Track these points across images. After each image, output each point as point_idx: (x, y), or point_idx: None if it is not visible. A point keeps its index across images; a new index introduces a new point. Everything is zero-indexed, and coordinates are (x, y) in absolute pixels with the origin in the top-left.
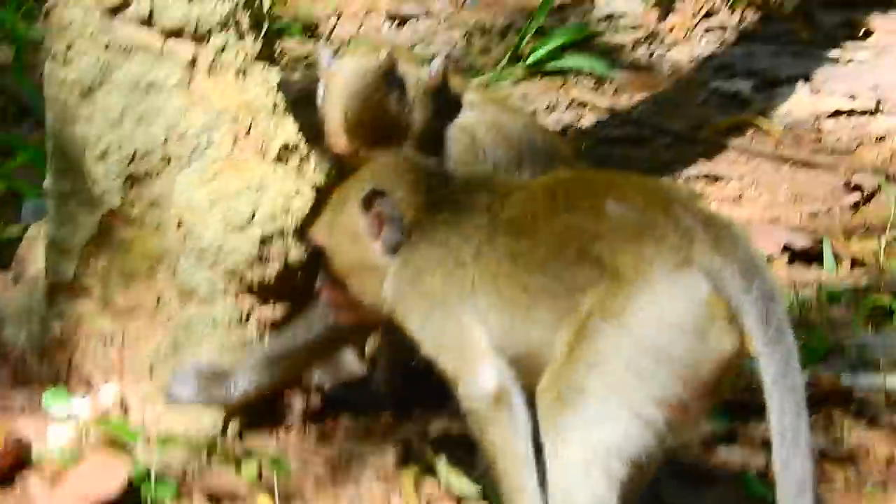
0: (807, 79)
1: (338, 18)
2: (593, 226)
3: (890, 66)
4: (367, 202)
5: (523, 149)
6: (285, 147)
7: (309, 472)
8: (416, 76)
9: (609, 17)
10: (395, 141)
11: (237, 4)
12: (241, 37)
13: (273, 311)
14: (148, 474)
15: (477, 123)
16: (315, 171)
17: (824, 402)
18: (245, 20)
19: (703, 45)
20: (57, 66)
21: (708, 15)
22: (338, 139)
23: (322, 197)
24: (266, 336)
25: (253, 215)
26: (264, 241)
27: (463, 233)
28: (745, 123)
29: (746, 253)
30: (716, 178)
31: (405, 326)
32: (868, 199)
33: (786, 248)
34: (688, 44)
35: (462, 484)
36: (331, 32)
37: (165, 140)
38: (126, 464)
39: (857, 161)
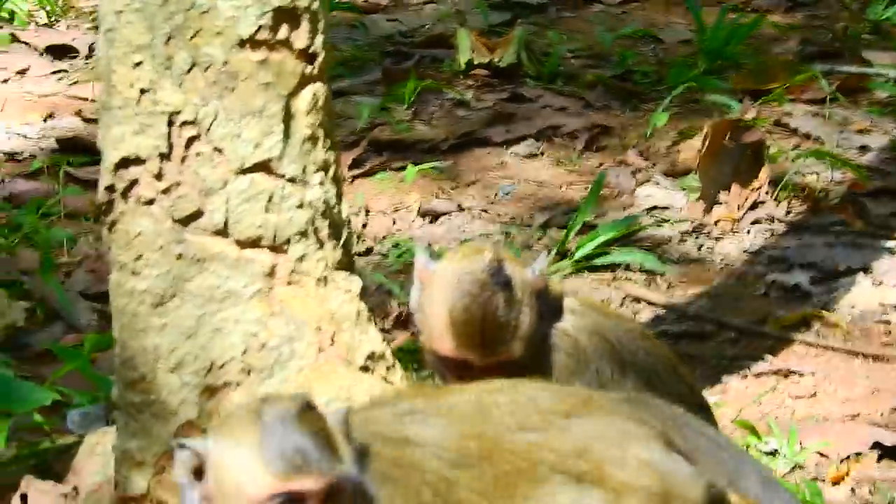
0: (867, 270)
1: (367, 214)
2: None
3: None
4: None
5: (626, 356)
6: (371, 356)
7: None
8: (521, 277)
9: (652, 210)
10: (503, 344)
11: (315, 212)
12: (320, 245)
13: None
14: None
15: (579, 329)
16: (401, 379)
17: None
18: (324, 228)
19: (753, 238)
20: (124, 276)
21: (754, 206)
22: (443, 343)
23: None
24: None
25: None
26: None
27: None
28: (810, 317)
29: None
30: (787, 374)
31: None
32: None
33: (875, 446)
34: (736, 236)
35: None
36: (363, 228)
37: (245, 350)
38: None
39: None
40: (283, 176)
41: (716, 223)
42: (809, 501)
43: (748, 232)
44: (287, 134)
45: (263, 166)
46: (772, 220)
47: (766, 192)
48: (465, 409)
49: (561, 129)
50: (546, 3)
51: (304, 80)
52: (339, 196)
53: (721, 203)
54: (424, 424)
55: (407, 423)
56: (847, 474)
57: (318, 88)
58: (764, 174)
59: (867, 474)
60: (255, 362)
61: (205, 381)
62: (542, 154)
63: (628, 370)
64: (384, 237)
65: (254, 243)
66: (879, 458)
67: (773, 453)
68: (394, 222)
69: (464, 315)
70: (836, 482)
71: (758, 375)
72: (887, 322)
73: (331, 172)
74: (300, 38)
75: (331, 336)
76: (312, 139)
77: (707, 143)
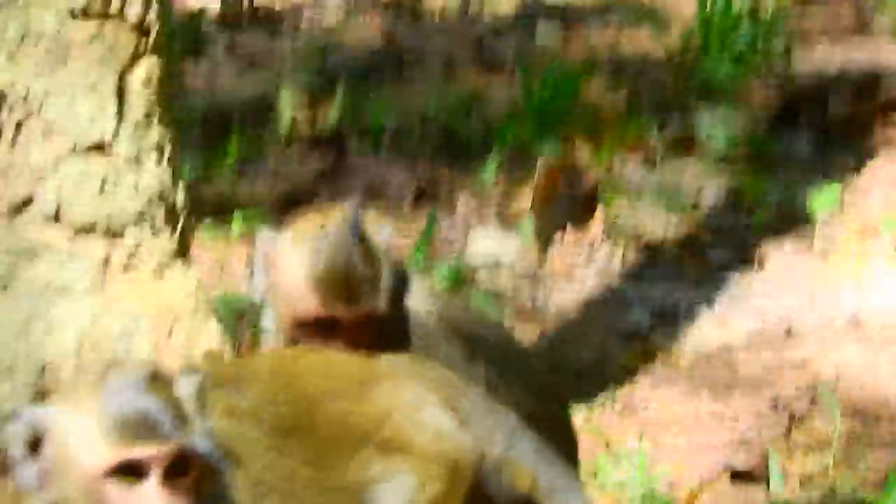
0: (709, 309)
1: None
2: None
3: (792, 294)
4: None
5: (477, 342)
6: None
7: None
8: (374, 232)
9: (483, 260)
10: (368, 294)
11: (151, 196)
12: (156, 233)
13: None
14: None
15: (428, 313)
16: None
17: None
18: (160, 214)
19: (590, 282)
20: None
21: (590, 252)
22: (308, 303)
23: None
24: None
25: None
26: None
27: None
28: (652, 354)
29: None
30: (630, 409)
31: None
32: (800, 420)
33: (727, 470)
34: (572, 281)
35: None
36: None
37: (79, 348)
38: None
39: (779, 385)
40: (117, 157)
41: (550, 272)
42: None
43: (583, 280)
44: (121, 112)
45: (97, 147)
46: (609, 262)
47: (602, 238)
48: (277, 374)
49: (387, 187)
50: (370, 69)
51: (139, 55)
52: (176, 180)
53: (554, 247)
54: (239, 394)
55: (225, 393)
56: (697, 497)
57: (153, 63)
58: (599, 217)
59: (719, 499)
60: (89, 361)
61: (37, 385)
62: (369, 210)
63: (479, 358)
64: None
65: (87, 231)
66: (732, 480)
67: (622, 485)
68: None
69: (328, 266)
70: None
71: (600, 409)
72: (731, 361)
73: (166, 154)
74: (134, 10)
75: (168, 330)
76: (147, 118)
77: (541, 181)
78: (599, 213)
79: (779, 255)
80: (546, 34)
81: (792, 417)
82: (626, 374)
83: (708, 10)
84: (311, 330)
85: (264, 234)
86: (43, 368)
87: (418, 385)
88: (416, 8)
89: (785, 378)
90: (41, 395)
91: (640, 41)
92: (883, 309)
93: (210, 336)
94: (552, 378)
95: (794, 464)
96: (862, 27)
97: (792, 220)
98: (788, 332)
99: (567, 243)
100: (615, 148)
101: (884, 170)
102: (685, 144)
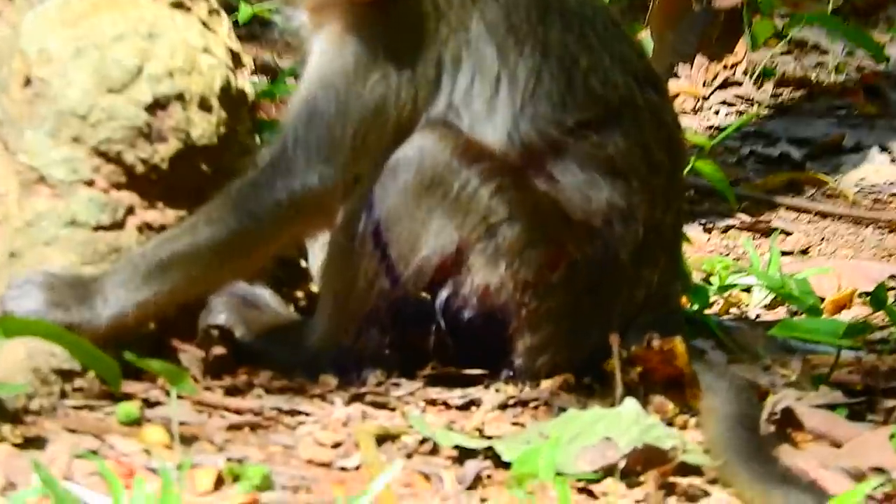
0: (883, 148)
1: None
2: None
3: None
4: None
5: None
6: None
7: (217, 422)
8: None
9: None
10: None
11: None
12: None
13: (162, 211)
14: None
15: None
16: (230, 35)
17: None
18: None
19: (722, 119)
20: None
21: (724, 85)
22: None
23: None
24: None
25: (139, 71)
26: (154, 107)
27: None
28: (802, 181)
29: None
30: (767, 231)
31: None
32: None
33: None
34: (699, 115)
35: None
36: None
37: None
38: None
39: None
40: None
41: (674, 97)
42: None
43: (716, 112)
44: None
45: None
46: (749, 101)
47: (744, 72)
48: None
49: None
50: None
51: None
52: None
53: (679, 77)
54: None
55: None
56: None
57: None
58: (741, 48)
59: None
60: None
61: None
62: None
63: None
64: None
65: None
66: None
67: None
68: None
69: None
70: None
71: (725, 230)
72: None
73: None
74: None
75: None
76: None
77: None
78: (744, 41)
79: None
80: None
81: None
82: (764, 199)
83: None
84: None
85: None
86: None
87: None
88: None
89: None
90: None
91: None
92: None
93: None
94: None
95: None
96: None
97: None
98: None
99: (697, 70)
100: None
101: None
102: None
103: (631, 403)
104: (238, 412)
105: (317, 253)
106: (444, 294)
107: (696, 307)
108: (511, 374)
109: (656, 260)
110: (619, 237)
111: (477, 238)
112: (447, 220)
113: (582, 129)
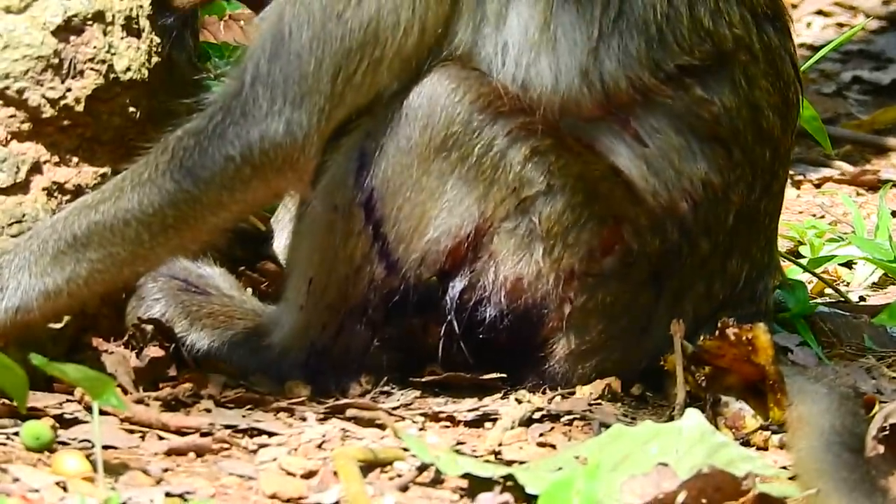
0: None
1: None
2: None
3: None
4: None
5: None
6: None
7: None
8: None
9: None
10: None
11: None
12: None
13: (77, 169)
14: None
15: None
16: None
17: None
18: None
19: (818, 32)
20: None
21: None
22: None
23: None
24: (61, 209)
25: None
26: (64, 30)
27: None
28: None
29: None
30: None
31: None
32: None
33: None
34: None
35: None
36: None
37: None
38: None
39: None
40: None
41: None
42: None
43: (808, 25)
44: None
45: None
46: (853, 10)
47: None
48: None
49: None
50: None
51: None
52: None
53: None
54: None
55: None
56: None
57: None
58: None
59: None
60: None
61: None
62: None
63: None
64: None
65: None
66: None
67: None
68: None
69: None
70: None
71: (818, 184)
72: None
73: None
74: None
75: None
76: None
77: None
78: None
79: None
80: None
81: None
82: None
83: None
84: None
85: None
86: None
87: None
88: None
89: None
90: None
91: None
92: None
93: None
94: None
95: None
96: None
97: None
98: None
99: None
100: None
101: None
102: None
103: (695, 416)
104: (180, 432)
105: (284, 224)
106: (457, 286)
107: (792, 309)
108: (539, 381)
109: (747, 250)
110: (702, 221)
111: (504, 215)
112: (464, 192)
113: (683, 76)
